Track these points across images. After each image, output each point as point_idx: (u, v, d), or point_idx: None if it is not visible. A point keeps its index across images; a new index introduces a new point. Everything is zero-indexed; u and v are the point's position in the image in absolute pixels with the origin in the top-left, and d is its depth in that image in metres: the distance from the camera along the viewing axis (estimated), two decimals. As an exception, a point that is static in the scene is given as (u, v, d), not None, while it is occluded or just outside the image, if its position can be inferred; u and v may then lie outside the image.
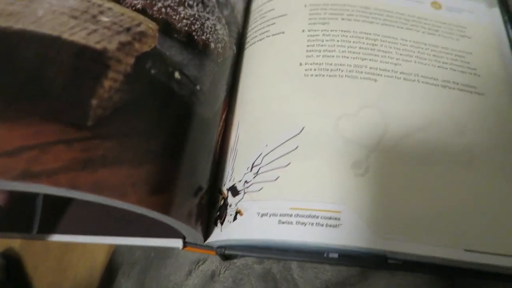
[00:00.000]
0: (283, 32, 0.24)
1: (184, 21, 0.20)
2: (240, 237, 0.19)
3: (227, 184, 0.21)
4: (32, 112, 0.15)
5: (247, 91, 0.23)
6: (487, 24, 0.25)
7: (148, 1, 0.20)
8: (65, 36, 0.17)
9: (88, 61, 0.17)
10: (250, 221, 0.19)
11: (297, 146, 0.20)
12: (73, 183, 0.14)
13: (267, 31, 0.25)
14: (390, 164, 0.19)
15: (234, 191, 0.21)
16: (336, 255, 0.18)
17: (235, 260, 0.22)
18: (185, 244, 0.20)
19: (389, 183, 0.19)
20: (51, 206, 0.23)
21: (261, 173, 0.20)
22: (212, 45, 0.22)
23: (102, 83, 0.17)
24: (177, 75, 0.19)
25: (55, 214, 0.22)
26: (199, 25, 0.21)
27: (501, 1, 0.27)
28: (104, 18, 0.18)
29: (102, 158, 0.15)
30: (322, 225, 0.18)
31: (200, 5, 0.22)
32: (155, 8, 0.20)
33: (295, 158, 0.20)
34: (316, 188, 0.19)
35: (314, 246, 0.18)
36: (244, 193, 0.20)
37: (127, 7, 0.19)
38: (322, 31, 0.23)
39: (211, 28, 0.22)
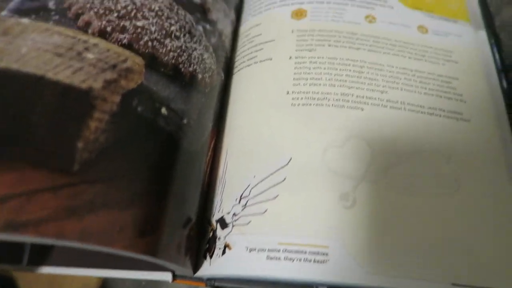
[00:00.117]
0: (271, 59, 0.24)
1: (171, 53, 0.20)
2: (229, 272, 0.19)
3: (216, 215, 0.21)
4: (16, 158, 0.15)
5: (235, 118, 0.24)
6: (473, 47, 0.26)
7: (134, 35, 0.20)
8: (50, 75, 0.17)
9: (73, 102, 0.17)
10: (239, 256, 0.19)
11: (285, 178, 0.20)
12: (59, 232, 0.14)
13: (254, 57, 0.25)
14: (377, 196, 0.19)
15: (223, 223, 0.21)
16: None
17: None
18: (174, 277, 0.20)
19: (377, 215, 0.19)
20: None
21: (250, 205, 0.20)
22: (200, 75, 0.22)
23: (88, 125, 0.17)
24: (163, 110, 0.19)
25: (45, 246, 0.22)
26: (186, 57, 0.21)
27: (488, 24, 0.27)
28: (90, 55, 0.18)
29: (89, 203, 0.15)
30: (310, 260, 0.18)
31: (187, 35, 0.22)
32: (142, 42, 0.20)
33: (283, 190, 0.20)
34: (304, 222, 0.19)
35: (303, 281, 0.18)
36: (233, 226, 0.20)
37: (113, 42, 0.19)
38: (309, 58, 0.24)
39: (198, 58, 0.22)
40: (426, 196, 0.20)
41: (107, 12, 0.20)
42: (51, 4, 0.20)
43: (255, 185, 0.20)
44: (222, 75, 0.25)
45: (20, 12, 0.19)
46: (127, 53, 0.19)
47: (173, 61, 0.20)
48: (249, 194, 0.20)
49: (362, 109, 0.22)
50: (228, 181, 0.22)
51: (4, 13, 0.19)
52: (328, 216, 0.19)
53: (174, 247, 0.18)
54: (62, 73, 0.17)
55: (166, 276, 0.20)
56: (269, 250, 0.19)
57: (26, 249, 0.23)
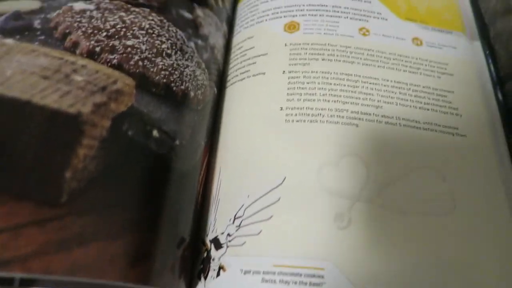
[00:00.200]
0: (264, 73, 0.24)
1: (162, 72, 0.20)
2: (224, 296, 0.19)
3: (209, 235, 0.21)
4: (1, 190, 0.15)
5: (228, 135, 0.23)
6: (469, 59, 0.25)
7: (124, 55, 0.19)
8: (36, 99, 0.17)
9: (61, 128, 0.16)
10: (234, 279, 0.19)
11: (279, 198, 0.20)
12: (47, 267, 0.14)
13: (247, 71, 0.25)
14: (373, 216, 0.19)
15: (217, 243, 0.20)
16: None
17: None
18: (168, 299, 0.20)
19: (372, 236, 0.19)
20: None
21: (244, 226, 0.20)
22: (192, 93, 0.21)
23: (77, 152, 0.16)
24: (155, 133, 0.19)
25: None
26: (177, 75, 0.21)
27: (482, 34, 0.27)
28: (78, 77, 0.18)
29: (78, 236, 0.15)
30: (306, 283, 0.18)
31: (178, 53, 0.21)
32: (132, 62, 0.19)
33: (278, 210, 0.20)
34: (299, 244, 0.19)
35: (297, 305, 0.18)
36: (227, 246, 0.20)
37: (102, 63, 0.19)
38: (302, 72, 0.23)
39: (190, 75, 0.21)
40: (421, 215, 0.19)
41: (95, 31, 0.19)
42: (36, 24, 0.19)
43: (249, 205, 0.20)
44: (215, 89, 0.24)
45: (3, 32, 0.19)
46: (117, 74, 0.19)
47: (165, 80, 0.20)
48: (243, 214, 0.20)
49: (357, 125, 0.21)
50: (221, 200, 0.21)
51: (-13, 34, 0.19)
52: (323, 237, 0.19)
53: (168, 270, 0.18)
54: (49, 97, 0.17)
55: (160, 299, 0.20)
56: (264, 273, 0.18)
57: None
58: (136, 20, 0.20)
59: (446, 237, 0.19)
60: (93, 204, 0.16)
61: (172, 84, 0.20)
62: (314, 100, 0.22)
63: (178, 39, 0.21)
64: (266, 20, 0.26)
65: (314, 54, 0.24)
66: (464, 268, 0.18)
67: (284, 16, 0.26)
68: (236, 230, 0.20)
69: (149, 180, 0.18)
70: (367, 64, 0.24)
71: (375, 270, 0.18)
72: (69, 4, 0.20)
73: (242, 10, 0.29)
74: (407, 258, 0.18)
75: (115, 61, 0.19)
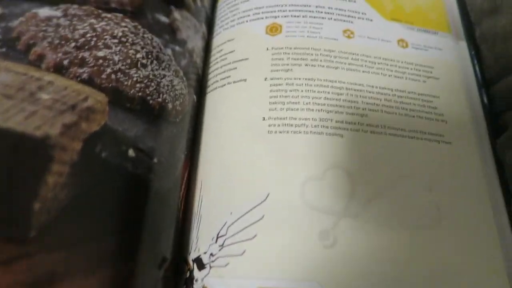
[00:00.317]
0: (245, 80, 0.23)
1: (137, 85, 0.19)
2: (207, 320, 0.18)
3: (192, 254, 0.20)
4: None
5: (209, 147, 0.22)
6: (454, 61, 0.25)
7: (95, 68, 0.18)
8: (-1, 122, 0.15)
9: (27, 154, 0.15)
10: (217, 301, 0.18)
11: (263, 216, 0.19)
12: (16, 312, 0.13)
13: (228, 76, 0.24)
14: (359, 232, 0.19)
15: (199, 263, 0.20)
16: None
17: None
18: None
19: (358, 253, 0.18)
20: None
21: (227, 245, 0.19)
22: (170, 105, 0.20)
23: (46, 180, 0.15)
24: (131, 152, 0.18)
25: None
26: (154, 87, 0.19)
27: (468, 34, 0.27)
28: (44, 95, 0.16)
29: (50, 275, 0.14)
30: (291, 305, 0.17)
31: (154, 62, 0.20)
32: (104, 76, 0.18)
33: (261, 229, 0.19)
34: (284, 264, 0.18)
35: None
36: (210, 267, 0.19)
37: (71, 78, 0.17)
38: (285, 79, 0.22)
39: (167, 86, 0.20)
40: (408, 229, 0.19)
41: (63, 42, 0.18)
42: (-4, 34, 0.18)
43: (232, 223, 0.20)
44: (194, 97, 0.23)
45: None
46: (87, 89, 0.17)
47: (140, 93, 0.19)
48: (226, 232, 0.20)
49: (342, 136, 0.21)
50: (203, 217, 0.21)
51: None
52: (308, 257, 0.18)
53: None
54: (12, 119, 0.16)
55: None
56: (248, 295, 0.18)
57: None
58: (108, 27, 0.19)
59: (433, 251, 0.19)
60: (66, 238, 0.15)
61: (149, 97, 0.19)
62: (297, 109, 0.21)
63: (154, 47, 0.20)
64: (247, 21, 0.25)
65: (297, 59, 0.23)
66: (452, 282, 0.18)
67: (266, 17, 0.25)
68: (219, 250, 0.19)
69: (126, 205, 0.17)
70: (351, 69, 0.23)
71: (361, 288, 0.18)
72: (33, 11, 0.18)
73: (222, 9, 0.27)
74: (393, 274, 0.18)
75: (85, 75, 0.18)
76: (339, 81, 0.22)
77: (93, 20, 0.19)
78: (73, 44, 0.18)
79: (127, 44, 0.19)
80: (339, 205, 0.19)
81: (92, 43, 0.18)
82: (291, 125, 0.21)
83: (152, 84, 0.19)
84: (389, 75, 0.23)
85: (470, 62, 0.26)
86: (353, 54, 0.23)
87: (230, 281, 0.18)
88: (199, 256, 0.20)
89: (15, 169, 0.15)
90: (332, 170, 0.20)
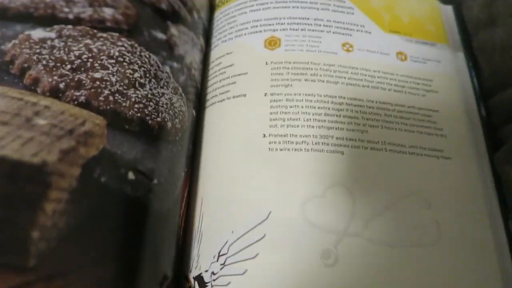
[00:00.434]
0: (245, 95, 0.23)
1: (136, 106, 0.18)
2: None
3: (193, 272, 0.20)
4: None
5: (209, 163, 0.22)
6: (453, 73, 0.25)
7: (92, 90, 0.17)
8: (-5, 149, 0.15)
9: (24, 182, 0.15)
10: (219, 323, 0.18)
11: (265, 235, 0.19)
12: None
13: (227, 91, 0.23)
14: (360, 251, 0.19)
15: (201, 282, 0.20)
16: None
17: None
18: None
19: (360, 273, 0.18)
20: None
21: (228, 264, 0.19)
22: (169, 124, 0.20)
23: (44, 208, 0.15)
24: (130, 175, 0.17)
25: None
26: (153, 106, 0.19)
27: (466, 45, 0.27)
28: (41, 121, 0.16)
29: (50, 307, 0.14)
30: (294, 327, 0.17)
31: (153, 81, 0.20)
32: (102, 98, 0.18)
33: (263, 248, 0.19)
34: (286, 283, 0.18)
35: None
36: (212, 286, 0.19)
37: (68, 101, 0.17)
38: (285, 95, 0.22)
39: (166, 104, 0.20)
40: (408, 247, 0.19)
41: (58, 64, 0.17)
42: (-11, 57, 0.17)
43: (234, 242, 0.19)
44: (193, 111, 0.23)
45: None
46: (85, 113, 0.17)
47: (139, 114, 0.18)
48: (228, 251, 0.19)
49: (343, 153, 0.21)
50: (204, 235, 0.20)
51: None
52: (310, 276, 0.18)
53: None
54: (8, 146, 0.15)
55: None
56: (251, 317, 0.18)
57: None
58: (104, 47, 0.19)
59: (432, 269, 0.19)
60: (65, 266, 0.14)
61: (147, 118, 0.19)
62: (298, 126, 0.21)
63: (151, 65, 0.20)
64: (245, 34, 0.25)
65: (296, 74, 0.23)
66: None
67: (264, 30, 0.25)
68: (221, 269, 0.19)
69: (126, 229, 0.17)
70: (351, 84, 0.23)
71: (363, 309, 0.18)
72: (26, 33, 0.18)
73: (219, 20, 0.27)
74: (395, 294, 0.18)
75: (82, 98, 0.17)
76: (339, 97, 0.22)
77: (88, 41, 0.18)
78: (68, 66, 0.18)
79: (124, 63, 0.19)
80: (341, 223, 0.19)
81: (88, 64, 0.18)
82: (292, 142, 0.21)
83: (151, 103, 0.19)
84: (389, 89, 0.23)
85: (468, 74, 0.26)
86: (353, 68, 0.23)
87: (232, 303, 0.18)
88: (200, 274, 0.20)
89: (12, 198, 0.14)
90: (333, 188, 0.20)
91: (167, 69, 0.21)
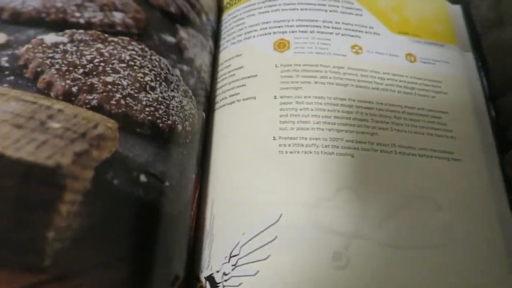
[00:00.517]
0: (254, 98, 0.23)
1: (147, 109, 0.19)
2: None
3: (204, 272, 0.20)
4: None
5: (219, 166, 0.22)
6: (462, 74, 0.25)
7: (104, 94, 0.18)
8: (9, 152, 0.15)
9: (39, 184, 0.15)
10: (231, 324, 0.18)
11: (276, 237, 0.19)
12: None
13: (237, 93, 0.23)
14: (371, 253, 0.19)
15: (212, 282, 0.20)
16: None
17: None
18: None
19: (371, 275, 0.18)
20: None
21: (240, 265, 0.19)
22: (180, 126, 0.20)
23: (59, 210, 0.15)
24: (142, 178, 0.17)
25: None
26: (163, 109, 0.19)
27: (475, 45, 0.27)
28: (55, 124, 0.16)
29: (65, 307, 0.14)
30: (305, 329, 0.17)
31: (163, 84, 0.20)
32: (113, 101, 0.18)
33: (275, 250, 0.19)
34: (297, 285, 0.18)
35: None
36: (224, 286, 0.19)
37: (81, 105, 0.17)
38: (295, 97, 0.22)
39: (177, 107, 0.20)
40: (418, 249, 0.19)
41: (71, 68, 0.18)
42: (3, 61, 0.17)
43: (245, 243, 0.19)
44: (203, 114, 0.23)
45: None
46: (97, 116, 0.17)
47: (150, 117, 0.19)
48: (239, 252, 0.19)
49: (353, 156, 0.21)
50: (216, 236, 0.21)
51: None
52: (321, 278, 0.18)
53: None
54: (23, 149, 0.15)
55: None
56: (262, 319, 0.18)
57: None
58: (115, 51, 0.19)
59: (442, 271, 0.19)
60: (79, 266, 0.15)
61: (158, 121, 0.19)
62: (308, 128, 0.21)
63: (162, 69, 0.20)
64: (254, 36, 0.25)
65: (306, 76, 0.23)
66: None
67: (274, 33, 0.25)
68: (232, 269, 0.19)
69: (138, 231, 0.17)
70: (361, 86, 0.23)
71: (374, 311, 0.18)
72: (39, 37, 0.18)
73: (227, 22, 0.27)
74: (406, 297, 0.18)
75: (94, 102, 0.17)
76: (348, 99, 0.22)
77: (100, 45, 0.19)
78: (81, 70, 0.18)
79: (135, 67, 0.19)
80: (351, 226, 0.19)
81: (100, 68, 0.18)
82: (302, 145, 0.21)
83: (162, 106, 0.19)
84: (398, 91, 0.23)
85: (477, 74, 0.26)
86: (362, 70, 0.23)
87: (243, 304, 0.18)
88: (211, 274, 0.20)
89: (27, 199, 0.15)
90: (343, 191, 0.20)
91: (177, 72, 0.21)
